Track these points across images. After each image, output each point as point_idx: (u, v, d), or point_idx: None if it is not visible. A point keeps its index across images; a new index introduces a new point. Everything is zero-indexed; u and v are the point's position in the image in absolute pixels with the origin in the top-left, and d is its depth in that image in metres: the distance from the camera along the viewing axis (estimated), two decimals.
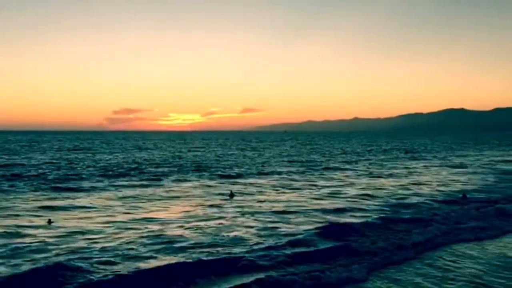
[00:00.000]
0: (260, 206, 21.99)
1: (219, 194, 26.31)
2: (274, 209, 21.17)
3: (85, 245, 14.13)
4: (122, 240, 14.77)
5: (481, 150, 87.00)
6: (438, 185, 31.35)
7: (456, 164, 50.96)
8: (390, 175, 37.81)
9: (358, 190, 28.16)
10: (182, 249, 13.82)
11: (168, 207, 21.73)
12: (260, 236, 15.61)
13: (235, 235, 15.69)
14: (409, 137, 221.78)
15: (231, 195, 25.24)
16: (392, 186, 30.52)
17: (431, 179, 35.03)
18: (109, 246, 13.99)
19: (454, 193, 26.92)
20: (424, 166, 48.18)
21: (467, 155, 68.23)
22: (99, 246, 14.03)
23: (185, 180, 33.00)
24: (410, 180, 34.36)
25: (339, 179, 35.18)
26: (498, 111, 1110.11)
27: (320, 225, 17.37)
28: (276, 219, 18.70)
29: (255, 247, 14.16)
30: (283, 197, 25.40)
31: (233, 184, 30.77)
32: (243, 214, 19.94)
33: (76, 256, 12.72)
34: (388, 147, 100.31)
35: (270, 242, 14.78)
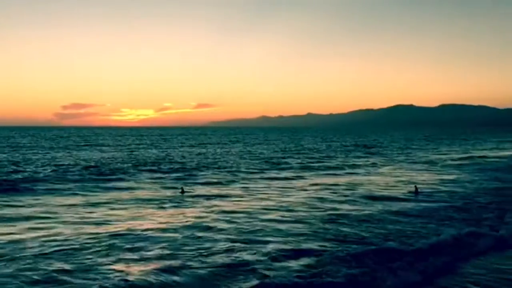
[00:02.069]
0: (210, 203, 21.28)
1: (171, 188, 26.55)
2: (225, 208, 20.39)
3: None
4: None
5: (438, 146, 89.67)
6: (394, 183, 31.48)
7: (423, 161, 51.86)
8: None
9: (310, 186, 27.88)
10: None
11: (125, 208, 20.44)
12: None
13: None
14: (363, 132, 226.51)
15: (182, 191, 25.18)
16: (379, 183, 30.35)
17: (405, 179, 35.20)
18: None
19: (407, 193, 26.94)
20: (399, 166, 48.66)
21: (428, 151, 70.06)
22: None
23: (139, 177, 31.75)
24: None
25: (286, 178, 34.83)
26: (443, 107, 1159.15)
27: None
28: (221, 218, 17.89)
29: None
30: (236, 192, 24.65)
31: (185, 180, 30.37)
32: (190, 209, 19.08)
33: None
34: (349, 143, 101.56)
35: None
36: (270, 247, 13.90)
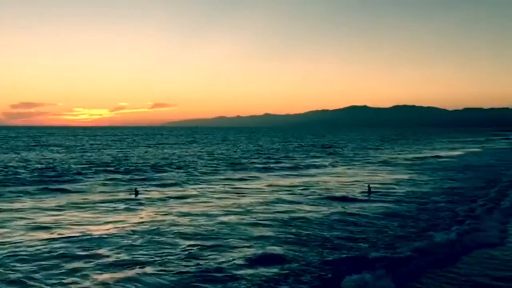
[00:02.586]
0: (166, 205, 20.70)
1: (126, 190, 25.96)
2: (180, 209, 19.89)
3: None
4: None
5: (393, 146, 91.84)
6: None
7: (379, 161, 52.83)
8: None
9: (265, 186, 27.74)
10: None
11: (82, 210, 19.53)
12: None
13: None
14: (320, 132, 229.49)
15: (136, 193, 24.79)
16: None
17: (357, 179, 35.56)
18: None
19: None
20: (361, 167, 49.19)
21: (385, 150, 71.58)
22: None
23: (91, 179, 30.61)
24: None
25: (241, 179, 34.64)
26: (396, 108, 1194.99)
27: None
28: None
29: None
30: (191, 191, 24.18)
31: (140, 181, 29.75)
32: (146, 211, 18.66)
33: None
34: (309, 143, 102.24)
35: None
36: (233, 251, 13.58)
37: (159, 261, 12.53)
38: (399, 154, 63.85)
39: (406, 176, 34.48)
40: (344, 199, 23.70)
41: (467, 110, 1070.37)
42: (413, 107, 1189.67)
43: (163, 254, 13.21)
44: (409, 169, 41.15)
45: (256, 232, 16.04)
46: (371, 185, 27.15)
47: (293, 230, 16.37)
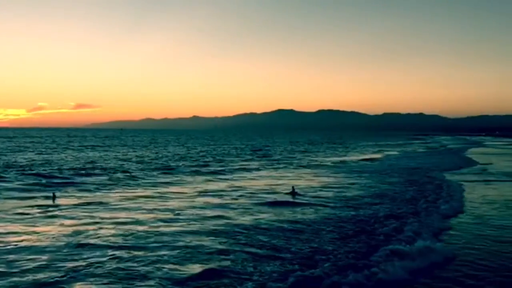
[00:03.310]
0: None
1: (42, 197, 24.42)
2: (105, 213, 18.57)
3: None
4: None
5: (324, 149, 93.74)
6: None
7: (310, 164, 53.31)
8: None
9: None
10: None
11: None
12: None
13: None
14: (249, 136, 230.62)
15: (54, 198, 23.70)
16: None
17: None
18: None
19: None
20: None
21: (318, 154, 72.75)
22: None
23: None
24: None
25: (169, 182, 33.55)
26: (321, 112, 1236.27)
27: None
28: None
29: None
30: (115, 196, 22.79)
31: (60, 186, 27.75)
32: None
33: None
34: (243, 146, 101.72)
35: None
36: (164, 265, 12.52)
37: (84, 275, 11.41)
38: (326, 157, 65.34)
39: (332, 179, 35.03)
40: (273, 203, 23.29)
41: (386, 115, 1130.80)
42: (337, 111, 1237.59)
43: (82, 267, 12.06)
44: (335, 171, 41.98)
45: (185, 240, 15.22)
46: (295, 187, 27.19)
47: (223, 237, 15.73)
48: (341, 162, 55.22)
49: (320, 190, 28.41)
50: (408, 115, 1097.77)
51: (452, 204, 22.57)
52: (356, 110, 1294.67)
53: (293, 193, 25.98)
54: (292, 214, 20.23)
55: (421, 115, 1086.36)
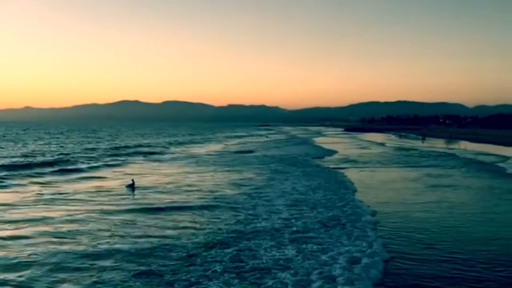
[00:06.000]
0: None
1: None
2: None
3: None
4: None
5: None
6: None
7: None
8: None
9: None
10: None
11: None
12: None
13: None
14: (91, 128, 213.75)
15: None
16: None
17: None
18: None
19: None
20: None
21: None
22: None
23: None
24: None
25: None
26: (167, 103, 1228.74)
27: None
28: None
29: None
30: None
31: None
32: None
33: None
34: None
35: None
36: None
37: None
38: (183, 149, 62.17)
39: (191, 169, 33.95)
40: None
41: (231, 107, 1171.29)
42: (183, 103, 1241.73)
43: None
44: (193, 162, 40.50)
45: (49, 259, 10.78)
46: (134, 180, 25.54)
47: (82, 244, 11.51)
48: (194, 153, 52.60)
49: (162, 181, 25.07)
50: (252, 106, 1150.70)
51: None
52: (202, 101, 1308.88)
53: (133, 186, 24.55)
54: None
55: (263, 107, 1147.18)
